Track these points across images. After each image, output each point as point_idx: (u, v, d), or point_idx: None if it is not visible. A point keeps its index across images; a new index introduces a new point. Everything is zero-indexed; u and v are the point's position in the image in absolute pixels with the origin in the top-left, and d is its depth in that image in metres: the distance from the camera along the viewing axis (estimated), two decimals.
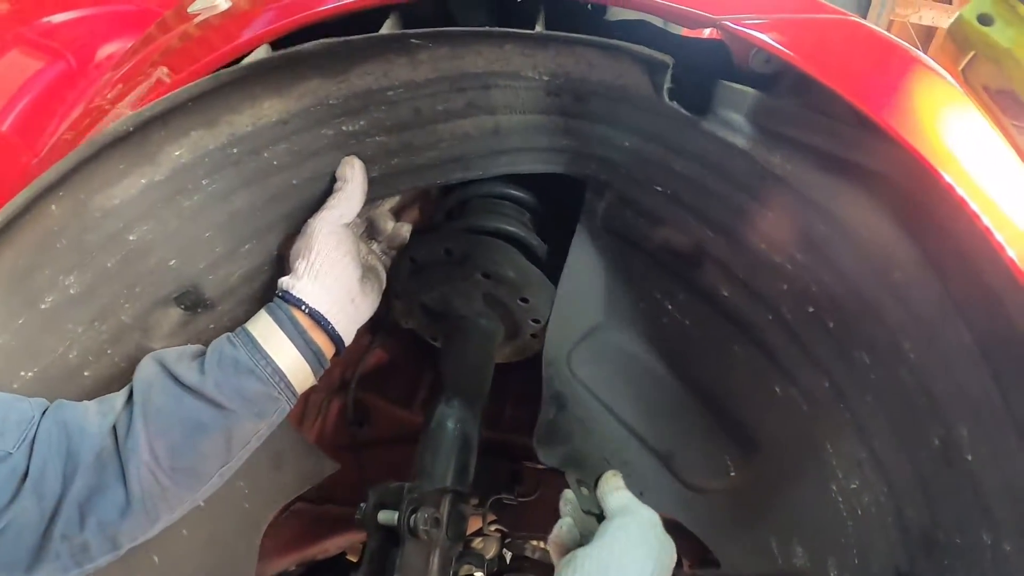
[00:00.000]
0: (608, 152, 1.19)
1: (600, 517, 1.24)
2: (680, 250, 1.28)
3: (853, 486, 1.14)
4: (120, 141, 1.00)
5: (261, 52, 1.09)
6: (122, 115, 1.04)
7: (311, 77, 1.06)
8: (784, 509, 1.29)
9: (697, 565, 1.56)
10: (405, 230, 1.39)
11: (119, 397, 1.08)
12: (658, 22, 1.21)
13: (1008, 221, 0.82)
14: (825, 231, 1.01)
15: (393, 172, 1.24)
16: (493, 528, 2.14)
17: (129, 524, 1.03)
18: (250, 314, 1.19)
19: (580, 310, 1.42)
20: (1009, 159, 0.88)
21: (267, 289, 1.28)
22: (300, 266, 1.16)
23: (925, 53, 1.00)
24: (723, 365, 1.30)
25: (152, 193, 1.07)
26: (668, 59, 0.98)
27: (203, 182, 1.11)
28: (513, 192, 1.55)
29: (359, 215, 1.25)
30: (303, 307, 1.14)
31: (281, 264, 1.28)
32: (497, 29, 1.02)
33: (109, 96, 1.53)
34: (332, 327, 1.17)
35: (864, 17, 6.67)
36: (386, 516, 1.37)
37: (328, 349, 1.19)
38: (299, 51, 1.01)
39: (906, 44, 1.05)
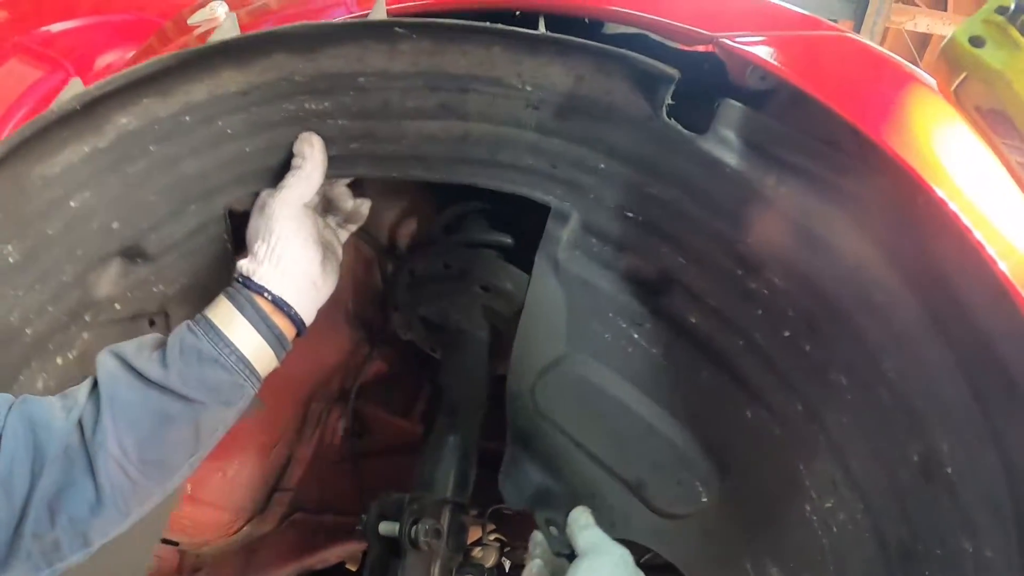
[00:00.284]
0: (577, 176, 1.16)
1: (572, 557, 1.24)
2: (647, 278, 1.26)
3: (828, 505, 1.14)
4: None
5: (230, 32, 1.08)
6: None
7: (277, 53, 1.03)
8: (757, 532, 1.29)
9: None
10: (365, 207, 1.35)
11: (82, 390, 1.05)
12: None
13: (999, 235, 0.83)
14: (809, 255, 1.01)
15: (351, 156, 1.20)
16: (492, 538, 2.14)
17: (100, 520, 1.02)
18: (193, 266, 1.17)
19: (543, 342, 1.39)
20: (999, 175, 0.89)
21: (211, 243, 1.25)
22: (260, 250, 1.13)
23: (920, 60, 1.01)
24: (692, 392, 1.28)
25: (96, 160, 1.05)
26: (674, 72, 0.96)
27: (151, 148, 1.08)
28: (511, 207, 1.56)
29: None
30: (265, 294, 1.11)
31: (226, 221, 1.24)
32: (492, 26, 0.99)
33: None
34: (295, 311, 1.15)
35: (860, 24, 6.71)
36: (387, 527, 1.38)
37: (290, 332, 1.16)
38: (271, 32, 1.00)
39: (900, 59, 1.06)
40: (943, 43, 0.89)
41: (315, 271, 1.17)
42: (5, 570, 0.97)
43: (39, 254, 1.08)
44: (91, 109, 0.99)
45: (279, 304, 1.12)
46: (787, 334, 1.10)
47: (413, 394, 2.23)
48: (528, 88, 1.05)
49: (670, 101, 1.00)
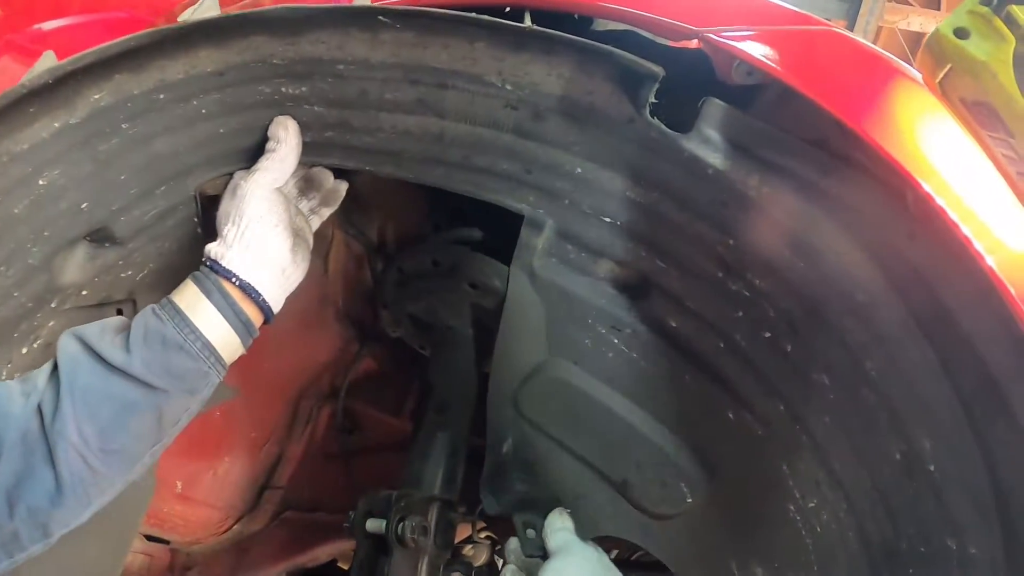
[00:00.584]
0: (553, 181, 1.15)
1: (545, 558, 1.27)
2: (626, 283, 1.25)
3: (811, 505, 1.14)
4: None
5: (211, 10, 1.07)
6: None
7: (257, 34, 1.02)
8: (742, 532, 1.29)
9: None
10: (342, 188, 1.31)
11: (41, 373, 1.02)
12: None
13: (986, 230, 0.83)
14: (790, 256, 1.01)
15: (325, 144, 1.18)
16: (483, 535, 2.14)
17: (60, 511, 0.99)
18: (161, 250, 1.14)
19: (523, 350, 1.38)
20: (986, 170, 0.89)
21: (180, 226, 1.24)
22: (229, 233, 1.10)
23: (914, 59, 1.01)
24: (674, 394, 1.28)
25: (66, 137, 1.02)
26: (658, 70, 0.95)
27: (123, 126, 1.06)
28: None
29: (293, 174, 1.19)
30: (233, 279, 1.09)
31: (197, 203, 1.23)
32: (477, 16, 0.97)
33: None
34: (262, 298, 1.12)
35: (853, 24, 6.71)
36: (374, 524, 1.38)
37: (257, 319, 1.14)
38: (251, 13, 0.98)
39: (889, 55, 1.06)
40: (928, 36, 0.89)
41: (285, 257, 1.14)
42: None
43: (4, 234, 1.05)
44: (63, 83, 0.96)
45: (247, 290, 1.10)
46: (768, 335, 1.10)
47: (403, 391, 2.23)
48: (508, 87, 1.04)
49: (654, 100, 0.99)
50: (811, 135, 0.97)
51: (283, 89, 1.09)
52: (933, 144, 0.90)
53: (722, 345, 1.17)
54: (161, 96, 1.05)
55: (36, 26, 2.52)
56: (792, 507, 1.16)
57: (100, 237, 1.17)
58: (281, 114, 1.13)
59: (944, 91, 0.89)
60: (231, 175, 1.17)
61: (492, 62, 1.02)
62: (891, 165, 0.85)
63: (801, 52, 1.01)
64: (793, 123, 0.98)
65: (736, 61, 0.95)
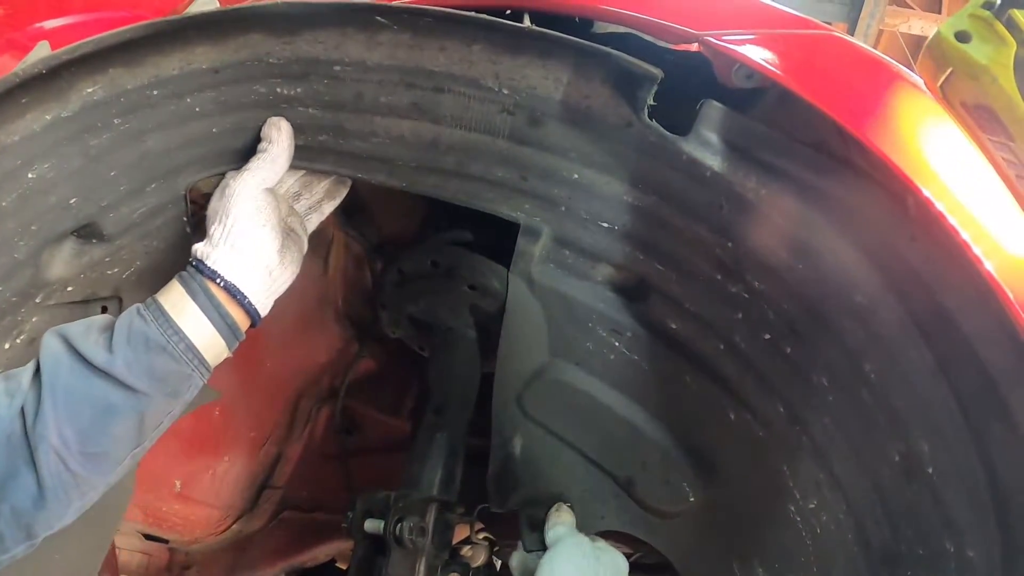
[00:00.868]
0: (549, 187, 1.14)
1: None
2: (625, 286, 1.25)
3: (811, 506, 1.14)
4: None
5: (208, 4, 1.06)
6: None
7: (254, 32, 1.01)
8: (743, 531, 1.30)
9: None
10: (344, 184, 1.30)
11: (25, 373, 1.00)
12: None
13: (985, 234, 0.83)
14: (789, 258, 1.01)
15: (318, 148, 1.17)
16: (481, 536, 2.14)
17: (44, 513, 0.98)
18: (149, 248, 1.13)
19: (525, 353, 1.38)
20: (986, 175, 0.89)
21: (169, 224, 1.23)
22: (216, 232, 1.09)
23: (915, 62, 1.01)
24: (675, 396, 1.28)
25: (58, 130, 1.01)
26: (656, 71, 0.95)
27: (115, 121, 1.05)
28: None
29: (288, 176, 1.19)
30: (218, 280, 1.07)
31: (186, 202, 1.22)
32: (476, 15, 0.96)
33: None
34: (248, 301, 1.10)
35: (854, 27, 6.72)
36: (372, 525, 1.38)
37: (244, 322, 1.12)
38: (249, 8, 0.97)
39: (888, 58, 1.06)
40: (929, 39, 0.90)
41: (272, 259, 1.12)
42: None
43: None
44: (56, 74, 0.95)
45: (232, 292, 1.08)
46: (768, 337, 1.10)
47: (402, 392, 2.23)
48: (505, 91, 1.04)
49: (652, 102, 0.99)
50: (811, 139, 0.97)
51: (278, 90, 1.09)
52: (932, 148, 0.90)
53: (722, 347, 1.17)
54: (155, 92, 1.04)
55: (37, 24, 2.52)
56: (793, 507, 1.16)
57: (88, 233, 1.16)
58: (275, 115, 1.12)
59: (945, 94, 0.89)
60: (223, 175, 1.16)
61: (489, 65, 1.02)
62: (890, 169, 0.85)
63: (801, 56, 1.01)
64: (793, 127, 0.98)
65: (736, 65, 0.96)
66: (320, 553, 2.37)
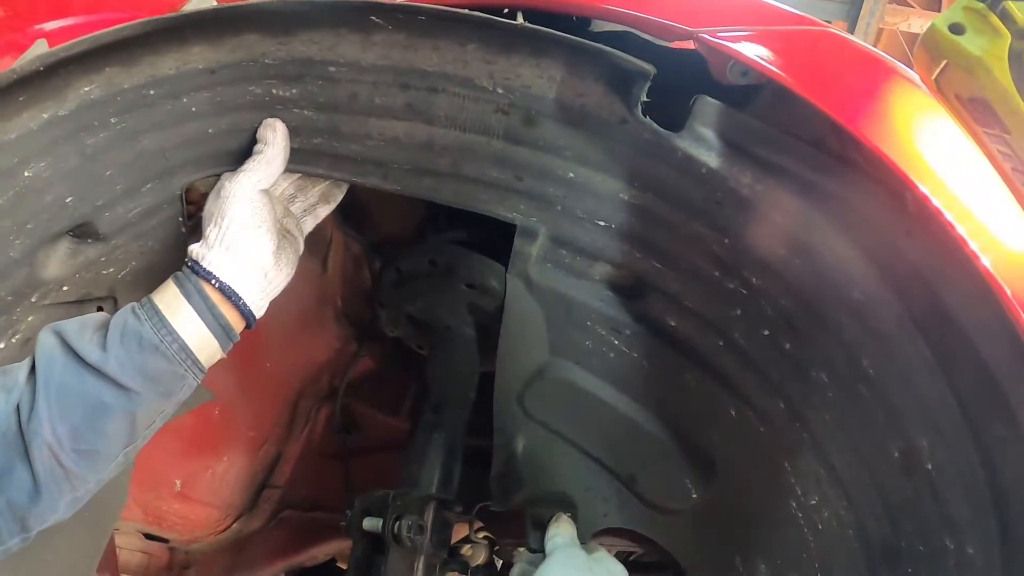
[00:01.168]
0: (544, 187, 1.14)
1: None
2: (622, 284, 1.25)
3: (812, 502, 1.15)
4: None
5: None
6: None
7: (250, 31, 1.01)
8: (745, 527, 1.30)
9: None
10: (341, 186, 1.30)
11: (22, 370, 1.01)
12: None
13: (982, 229, 0.83)
14: (786, 254, 1.01)
15: (313, 151, 1.17)
16: (481, 535, 2.14)
17: (38, 508, 1.00)
18: (144, 249, 1.13)
19: (525, 353, 1.38)
20: (982, 170, 0.89)
21: (165, 225, 1.23)
22: (211, 233, 1.09)
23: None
24: (676, 393, 1.28)
25: (54, 128, 1.01)
26: (650, 68, 0.95)
27: (112, 120, 1.05)
28: None
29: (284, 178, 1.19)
30: (213, 281, 1.07)
31: (182, 202, 1.22)
32: (469, 13, 0.96)
33: None
34: (243, 302, 1.10)
35: (853, 26, 6.71)
36: (371, 523, 1.38)
37: (238, 324, 1.12)
38: (244, 7, 0.97)
39: (884, 55, 1.06)
40: (923, 32, 0.89)
41: (267, 260, 1.13)
42: None
43: None
44: (53, 72, 0.96)
45: (227, 293, 1.09)
46: (767, 333, 1.10)
47: (402, 391, 2.22)
48: (499, 90, 1.04)
49: (646, 99, 0.99)
50: (807, 135, 0.97)
51: (274, 91, 1.09)
52: (928, 143, 0.90)
53: (721, 343, 1.17)
54: (151, 92, 1.05)
55: (38, 26, 2.53)
56: (794, 504, 1.17)
57: (83, 232, 1.16)
58: (271, 117, 1.12)
59: (940, 87, 0.89)
60: (219, 176, 1.16)
61: (483, 65, 1.02)
62: (886, 165, 0.85)
63: (796, 52, 1.01)
64: (789, 124, 0.98)
65: (731, 61, 0.96)
66: (320, 552, 2.37)
